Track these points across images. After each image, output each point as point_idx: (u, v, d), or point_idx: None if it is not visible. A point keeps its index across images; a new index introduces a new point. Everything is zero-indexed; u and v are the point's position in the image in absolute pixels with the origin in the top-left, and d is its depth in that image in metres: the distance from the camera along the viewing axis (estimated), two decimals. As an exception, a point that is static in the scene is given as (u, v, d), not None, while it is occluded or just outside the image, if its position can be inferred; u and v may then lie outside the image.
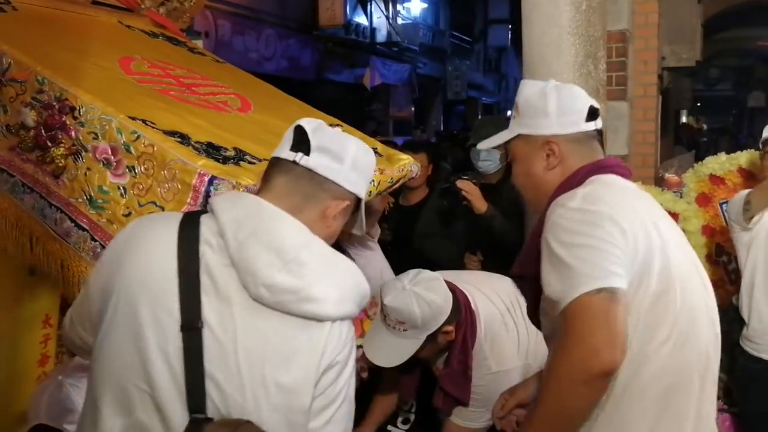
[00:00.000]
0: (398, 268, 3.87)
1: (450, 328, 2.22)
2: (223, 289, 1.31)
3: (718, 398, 3.45)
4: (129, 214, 1.72)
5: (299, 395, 1.32)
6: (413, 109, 16.91)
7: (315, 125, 1.42)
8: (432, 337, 2.20)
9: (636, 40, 4.28)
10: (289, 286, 1.30)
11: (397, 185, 2.26)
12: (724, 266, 3.77)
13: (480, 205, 3.25)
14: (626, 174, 1.73)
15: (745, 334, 3.12)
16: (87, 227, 1.77)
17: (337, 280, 1.36)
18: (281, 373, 1.30)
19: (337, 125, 1.76)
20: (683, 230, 3.70)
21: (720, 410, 3.47)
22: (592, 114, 1.70)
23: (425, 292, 2.16)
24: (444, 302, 2.19)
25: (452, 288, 2.26)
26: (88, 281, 1.47)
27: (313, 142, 1.39)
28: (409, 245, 3.67)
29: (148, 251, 1.34)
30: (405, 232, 3.73)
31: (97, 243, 1.76)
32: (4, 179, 1.89)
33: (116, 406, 1.31)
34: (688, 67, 4.93)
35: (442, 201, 3.57)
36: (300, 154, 1.38)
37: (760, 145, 3.05)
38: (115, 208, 1.75)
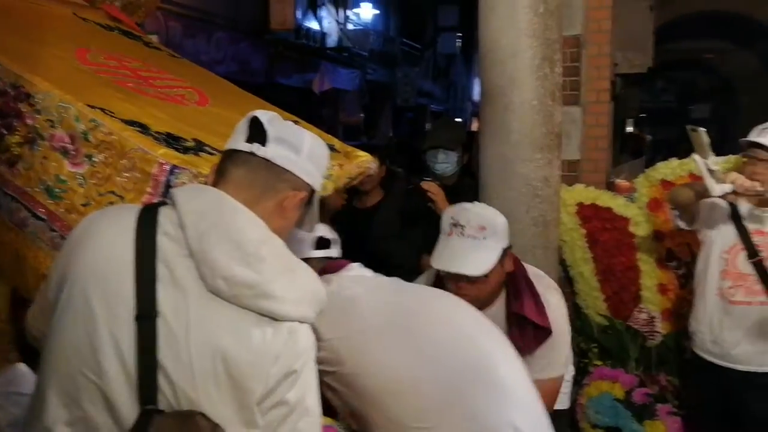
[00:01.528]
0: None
1: (510, 252, 2.23)
2: (180, 279, 1.30)
3: (667, 401, 3.57)
4: (88, 204, 1.70)
5: (248, 392, 1.30)
6: (362, 115, 16.92)
7: (270, 116, 1.42)
8: (503, 258, 2.19)
9: (589, 45, 4.32)
10: (247, 280, 1.29)
11: (355, 182, 2.24)
12: (674, 271, 3.84)
13: (444, 206, 3.28)
14: None
15: (689, 329, 3.22)
16: (45, 217, 1.74)
17: (296, 281, 1.35)
18: (232, 367, 1.28)
19: (294, 121, 1.73)
20: (634, 235, 3.84)
21: (670, 413, 3.53)
22: None
23: (493, 210, 2.26)
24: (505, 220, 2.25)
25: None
26: (44, 280, 1.46)
27: (270, 132, 1.39)
28: (362, 247, 3.64)
29: (103, 240, 1.34)
30: (358, 234, 3.70)
31: (56, 233, 1.73)
32: None
33: (62, 397, 1.30)
34: (640, 73, 5.02)
35: (408, 202, 3.60)
36: (257, 145, 1.38)
37: (742, 150, 3.06)
38: (73, 198, 1.72)
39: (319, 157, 1.48)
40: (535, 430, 1.77)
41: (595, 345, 3.97)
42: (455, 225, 2.19)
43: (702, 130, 2.95)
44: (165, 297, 1.29)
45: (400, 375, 1.71)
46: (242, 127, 1.43)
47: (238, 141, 1.41)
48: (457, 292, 2.12)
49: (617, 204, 3.93)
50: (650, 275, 3.87)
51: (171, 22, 9.47)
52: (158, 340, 1.27)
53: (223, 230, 1.31)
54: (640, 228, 3.88)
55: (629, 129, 9.15)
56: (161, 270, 1.30)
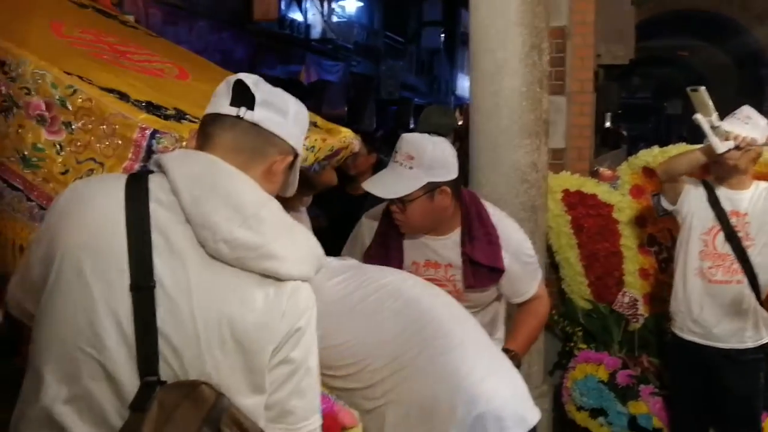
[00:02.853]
0: (338, 255, 3.91)
1: (448, 190, 2.25)
2: (177, 246, 1.27)
3: (649, 382, 3.66)
4: (66, 171, 1.65)
5: (258, 354, 1.29)
6: (346, 107, 16.92)
7: (255, 79, 1.39)
8: (430, 192, 2.22)
9: (574, 37, 4.39)
10: (249, 242, 1.26)
11: (339, 157, 2.24)
12: (655, 255, 3.93)
13: None
14: None
15: (669, 310, 3.33)
16: (21, 187, 1.68)
17: (295, 240, 1.34)
18: (239, 331, 1.27)
19: None
20: (617, 221, 3.93)
21: (652, 393, 3.62)
22: None
23: (442, 142, 2.28)
24: (453, 161, 2.27)
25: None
26: (27, 251, 1.41)
27: (258, 96, 1.35)
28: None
29: (92, 212, 1.29)
30: (349, 219, 3.75)
31: (34, 203, 1.67)
32: None
33: (61, 374, 1.25)
34: (621, 66, 5.10)
35: None
36: (243, 109, 1.35)
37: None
38: (51, 167, 1.66)
39: (304, 120, 1.46)
40: (488, 382, 1.82)
41: (580, 329, 4.05)
42: (394, 152, 2.29)
43: (702, 88, 2.98)
44: (162, 266, 1.25)
45: (352, 350, 1.80)
46: (224, 91, 1.38)
47: (222, 105, 1.37)
48: (392, 215, 2.31)
49: (601, 191, 4.02)
50: (632, 260, 3.96)
51: (151, 9, 9.28)
52: (159, 310, 1.24)
53: (220, 194, 1.28)
54: (623, 214, 3.96)
55: (607, 124, 9.25)
56: (156, 239, 1.26)
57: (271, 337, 1.29)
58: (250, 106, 1.35)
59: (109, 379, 1.24)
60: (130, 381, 1.24)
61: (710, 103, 2.96)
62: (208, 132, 1.37)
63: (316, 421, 1.40)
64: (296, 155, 1.45)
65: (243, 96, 1.35)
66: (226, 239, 1.25)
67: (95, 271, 1.25)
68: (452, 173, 2.26)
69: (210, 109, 1.40)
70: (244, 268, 1.27)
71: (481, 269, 2.32)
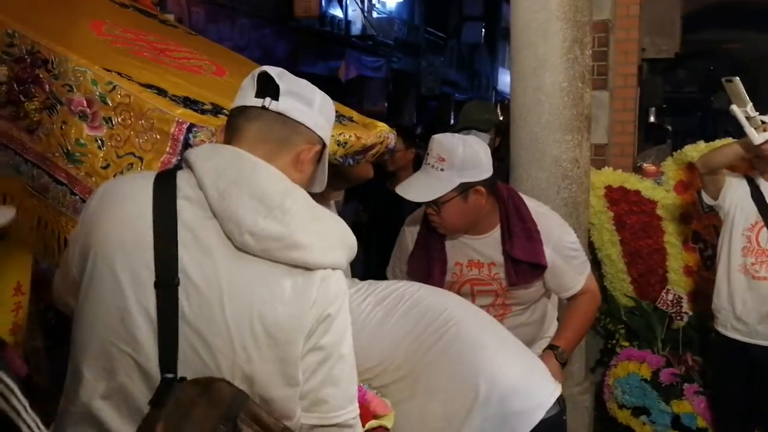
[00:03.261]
0: (378, 250, 3.92)
1: (483, 189, 2.23)
2: (205, 241, 1.28)
3: (694, 381, 3.60)
4: (107, 166, 1.68)
5: (290, 345, 1.29)
6: (386, 103, 16.92)
7: (279, 71, 1.40)
8: (464, 192, 2.22)
9: (617, 30, 4.34)
10: (275, 233, 1.27)
11: (374, 151, 2.23)
12: (700, 252, 3.87)
13: None
14: None
15: (712, 307, 3.27)
16: (65, 181, 1.71)
17: (323, 228, 1.34)
18: (270, 322, 1.27)
19: None
20: (661, 217, 3.87)
21: (696, 392, 3.57)
22: None
23: (473, 142, 2.26)
24: (486, 159, 2.25)
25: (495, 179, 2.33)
26: (67, 247, 1.44)
27: (282, 86, 1.37)
28: (392, 228, 3.70)
29: (122, 209, 1.31)
30: (389, 215, 3.75)
31: (77, 197, 1.71)
32: None
33: (97, 370, 1.28)
34: (666, 60, 5.01)
35: None
36: (268, 99, 1.36)
37: None
38: (93, 161, 1.69)
39: (330, 111, 1.47)
40: (501, 363, 1.84)
41: (622, 326, 4.01)
42: (426, 154, 2.28)
43: (736, 78, 2.93)
44: (191, 261, 1.26)
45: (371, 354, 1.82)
46: (249, 83, 1.40)
47: (248, 97, 1.38)
48: (429, 217, 2.31)
49: (645, 187, 3.96)
50: (677, 257, 3.90)
51: (194, 8, 9.43)
52: (189, 305, 1.25)
53: (244, 186, 1.28)
54: (667, 211, 3.91)
55: (651, 119, 9.07)
56: (184, 234, 1.27)
57: (301, 326, 1.30)
58: (275, 96, 1.36)
59: (143, 374, 1.26)
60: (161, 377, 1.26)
61: (745, 93, 2.90)
62: (234, 124, 1.39)
63: (352, 411, 1.38)
64: (324, 145, 1.45)
65: (268, 87, 1.37)
66: (251, 231, 1.26)
67: (126, 268, 1.27)
68: (485, 173, 2.24)
69: (236, 103, 1.41)
70: (271, 260, 1.28)
71: (522, 266, 2.30)
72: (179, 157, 1.61)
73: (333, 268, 1.34)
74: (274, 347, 1.28)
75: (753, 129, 2.84)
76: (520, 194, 2.42)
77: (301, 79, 1.43)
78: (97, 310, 1.28)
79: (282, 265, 1.29)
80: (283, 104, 1.36)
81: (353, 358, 1.40)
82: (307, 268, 1.30)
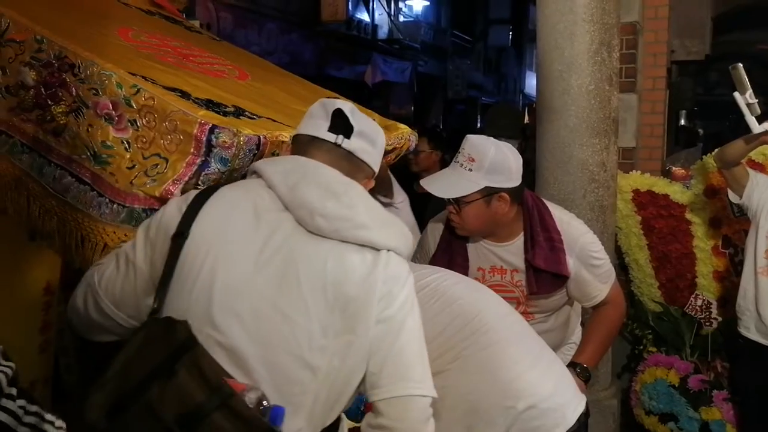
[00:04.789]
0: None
1: (507, 197, 2.23)
2: (280, 230, 1.39)
3: (723, 388, 3.55)
4: (133, 166, 1.72)
5: (359, 317, 1.38)
6: (413, 107, 16.93)
7: (350, 108, 1.52)
8: (488, 196, 2.21)
9: (646, 33, 4.30)
10: (343, 214, 1.39)
11: (395, 154, 2.23)
12: (730, 258, 3.81)
13: None
14: None
15: (736, 310, 3.24)
16: (90, 181, 1.75)
17: (382, 216, 1.46)
18: (342, 293, 1.37)
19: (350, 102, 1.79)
20: (690, 222, 3.82)
21: (726, 399, 3.52)
22: None
23: (506, 148, 2.25)
24: (515, 168, 2.23)
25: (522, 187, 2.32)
26: (124, 257, 1.49)
27: (355, 126, 1.49)
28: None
29: (210, 211, 1.43)
30: (415, 216, 3.75)
31: (95, 193, 1.74)
32: (3, 141, 1.85)
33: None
34: (696, 62, 4.95)
35: None
36: (341, 137, 1.48)
37: None
38: (120, 162, 1.73)
39: (383, 146, 1.60)
40: (530, 376, 1.86)
41: (650, 332, 3.96)
42: (457, 152, 2.27)
43: (739, 65, 2.99)
44: (268, 248, 1.38)
45: None
46: (321, 114, 1.51)
47: (319, 129, 1.49)
48: (449, 215, 2.31)
49: (674, 191, 3.92)
50: (706, 262, 3.85)
51: (222, 13, 9.57)
52: (266, 286, 1.36)
53: (311, 179, 1.42)
54: (697, 215, 3.86)
55: (681, 122, 8.95)
56: (261, 225, 1.39)
57: (369, 300, 1.39)
58: (347, 134, 1.49)
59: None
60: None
61: (746, 80, 2.92)
62: (304, 151, 1.50)
63: (424, 387, 1.42)
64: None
65: (342, 125, 1.49)
66: (322, 213, 1.39)
67: (214, 260, 1.38)
68: (513, 181, 2.23)
69: (306, 130, 1.52)
70: (342, 240, 1.40)
71: (543, 275, 2.28)
72: (203, 158, 1.65)
73: (396, 252, 1.44)
74: (346, 319, 1.37)
75: (753, 118, 2.83)
76: (546, 202, 2.40)
77: (367, 118, 1.56)
78: (187, 303, 1.38)
79: (351, 244, 1.40)
80: (355, 144, 1.49)
81: (422, 335, 1.46)
82: (374, 248, 1.41)
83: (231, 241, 1.40)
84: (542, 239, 2.28)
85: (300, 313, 1.36)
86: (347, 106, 1.51)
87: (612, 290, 2.41)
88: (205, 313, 1.36)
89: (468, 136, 2.29)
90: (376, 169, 1.56)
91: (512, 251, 2.33)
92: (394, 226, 1.47)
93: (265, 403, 1.29)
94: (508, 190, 2.22)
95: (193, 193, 1.50)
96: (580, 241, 2.34)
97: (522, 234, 2.32)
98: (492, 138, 2.28)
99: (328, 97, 1.91)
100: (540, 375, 1.89)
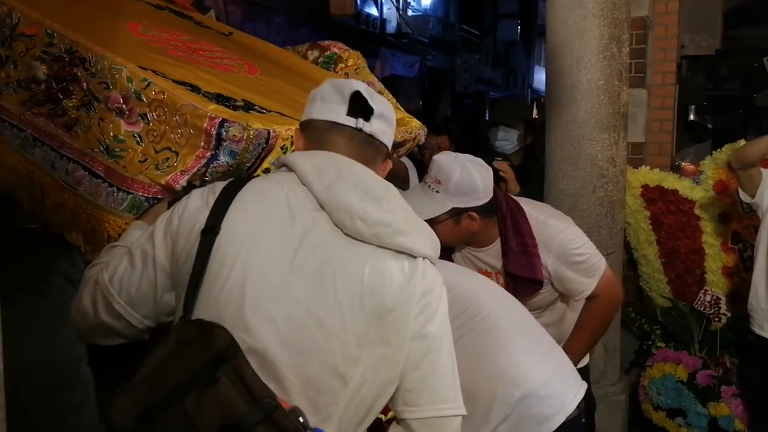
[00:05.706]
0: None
1: (476, 216, 2.24)
2: (315, 230, 1.34)
3: (732, 383, 3.55)
4: (145, 160, 1.72)
5: (396, 328, 1.33)
6: (421, 101, 16.90)
7: (366, 89, 1.45)
8: (457, 216, 2.22)
9: (656, 27, 4.28)
10: (384, 219, 1.34)
11: (405, 148, 2.25)
12: (739, 253, 3.81)
13: (514, 186, 3.35)
14: None
15: (748, 308, 3.23)
16: (103, 174, 1.74)
17: (418, 222, 1.42)
18: (379, 302, 1.32)
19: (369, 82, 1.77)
20: (699, 217, 3.82)
21: (734, 395, 3.51)
22: None
23: (473, 167, 2.22)
24: (483, 187, 2.23)
25: (496, 193, 2.31)
26: (147, 247, 1.43)
27: (375, 108, 1.43)
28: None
29: (238, 206, 1.37)
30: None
31: (114, 188, 1.73)
32: (15, 134, 1.86)
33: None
34: (706, 57, 4.93)
35: None
36: (361, 120, 1.42)
37: None
38: (132, 156, 1.74)
39: (395, 121, 1.55)
40: (527, 363, 1.88)
41: (658, 327, 3.96)
42: (426, 173, 2.28)
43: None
44: (301, 249, 1.32)
45: None
46: (336, 98, 1.44)
47: (338, 113, 1.43)
48: None
49: (683, 186, 3.91)
50: (715, 258, 3.84)
51: (230, 7, 9.56)
52: (303, 287, 1.30)
53: (348, 180, 1.36)
54: (706, 210, 3.85)
55: (691, 117, 8.92)
56: (294, 224, 1.34)
57: (408, 310, 1.35)
58: (367, 117, 1.43)
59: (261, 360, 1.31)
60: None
61: None
62: (323, 138, 1.44)
63: (457, 408, 1.39)
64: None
65: (361, 107, 1.42)
66: (362, 217, 1.33)
67: (246, 259, 1.32)
68: (480, 200, 2.23)
69: (322, 115, 1.46)
70: (380, 245, 1.34)
71: (519, 280, 2.30)
72: (214, 151, 1.65)
73: (431, 260, 1.40)
74: (381, 329, 1.33)
75: None
76: (523, 202, 2.39)
77: (381, 97, 1.50)
78: (218, 303, 1.32)
79: (389, 250, 1.35)
80: (375, 126, 1.44)
81: (454, 352, 1.42)
82: (412, 255, 1.36)
83: (265, 238, 1.34)
84: (515, 245, 2.29)
85: (335, 319, 1.31)
86: (362, 87, 1.45)
87: (601, 282, 2.39)
88: (237, 314, 1.30)
89: (435, 157, 2.29)
90: (390, 147, 1.52)
91: (493, 255, 2.36)
92: (428, 232, 1.42)
93: (301, 419, 1.24)
94: (477, 209, 2.23)
95: (219, 185, 1.43)
96: (558, 239, 2.33)
97: (499, 239, 2.34)
98: (460, 157, 2.26)
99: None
100: (538, 360, 1.90)
